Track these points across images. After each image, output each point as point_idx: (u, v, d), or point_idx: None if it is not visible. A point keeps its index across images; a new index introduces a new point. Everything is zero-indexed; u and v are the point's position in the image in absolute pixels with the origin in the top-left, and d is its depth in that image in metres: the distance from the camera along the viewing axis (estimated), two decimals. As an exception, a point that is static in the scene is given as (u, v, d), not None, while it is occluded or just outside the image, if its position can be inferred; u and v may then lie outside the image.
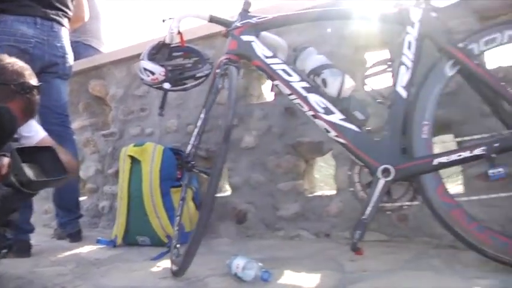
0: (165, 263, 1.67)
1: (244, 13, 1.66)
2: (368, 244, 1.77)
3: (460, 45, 1.40)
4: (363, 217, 1.34)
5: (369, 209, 1.35)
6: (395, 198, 1.44)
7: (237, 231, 2.18)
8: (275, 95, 2.03)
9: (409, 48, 1.43)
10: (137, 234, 2.13)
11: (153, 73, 1.69)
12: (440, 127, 1.64)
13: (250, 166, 2.15)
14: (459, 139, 1.55)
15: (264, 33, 1.73)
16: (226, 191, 2.33)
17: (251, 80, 2.23)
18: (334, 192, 1.92)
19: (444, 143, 1.73)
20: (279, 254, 1.75)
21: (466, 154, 1.32)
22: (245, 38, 1.61)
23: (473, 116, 1.54)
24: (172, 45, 1.75)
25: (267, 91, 2.29)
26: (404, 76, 1.42)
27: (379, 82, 1.80)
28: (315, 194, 1.97)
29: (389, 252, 1.64)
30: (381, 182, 1.36)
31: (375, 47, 1.87)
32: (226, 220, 2.23)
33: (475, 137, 1.44)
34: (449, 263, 1.44)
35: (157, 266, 1.72)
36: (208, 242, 2.09)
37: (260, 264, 1.43)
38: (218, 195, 2.36)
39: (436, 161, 1.34)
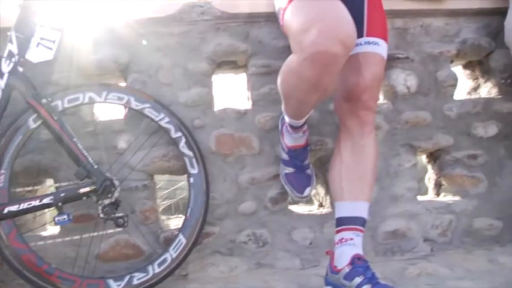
0: None
1: None
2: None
3: (44, 100, 1.52)
4: None
5: None
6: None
7: None
8: None
9: (-5, 98, 1.47)
10: None
11: None
12: (40, 172, 1.75)
13: None
14: (57, 184, 1.68)
15: None
16: None
17: None
18: None
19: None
20: None
21: (36, 203, 1.43)
22: None
23: (68, 163, 1.69)
24: None
25: None
26: (-14, 125, 1.45)
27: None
28: None
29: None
30: None
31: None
32: None
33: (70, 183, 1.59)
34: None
35: None
36: None
37: None
38: None
39: (6, 210, 1.41)
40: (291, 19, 1.26)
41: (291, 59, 1.27)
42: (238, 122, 1.78)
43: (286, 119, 1.54)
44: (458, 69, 2.08)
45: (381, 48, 1.42)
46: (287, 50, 1.77)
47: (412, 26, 1.87)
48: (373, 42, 1.41)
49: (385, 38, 1.44)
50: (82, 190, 1.50)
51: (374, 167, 1.45)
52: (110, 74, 1.83)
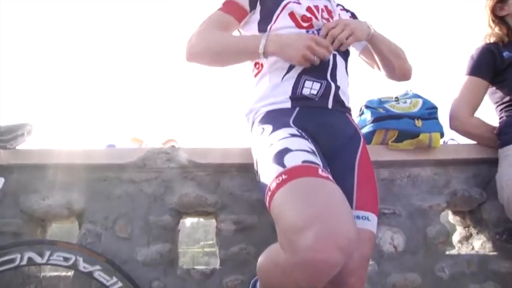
0: None
1: None
2: None
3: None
4: None
5: None
6: None
7: None
8: None
9: None
10: None
11: None
12: None
13: None
14: None
15: None
16: None
17: None
18: None
19: None
20: None
21: None
22: None
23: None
24: None
25: None
26: None
27: None
28: None
29: None
30: None
31: None
32: None
33: None
34: None
35: None
36: None
37: None
38: None
39: None
40: (281, 208, 1.03)
41: (278, 253, 1.03)
42: (204, 284, 1.55)
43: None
44: (447, 215, 1.93)
45: (371, 223, 1.25)
46: (261, 204, 1.60)
47: (399, 176, 1.72)
48: (363, 216, 1.24)
49: (375, 212, 1.27)
50: None
51: None
52: (64, 219, 1.62)
